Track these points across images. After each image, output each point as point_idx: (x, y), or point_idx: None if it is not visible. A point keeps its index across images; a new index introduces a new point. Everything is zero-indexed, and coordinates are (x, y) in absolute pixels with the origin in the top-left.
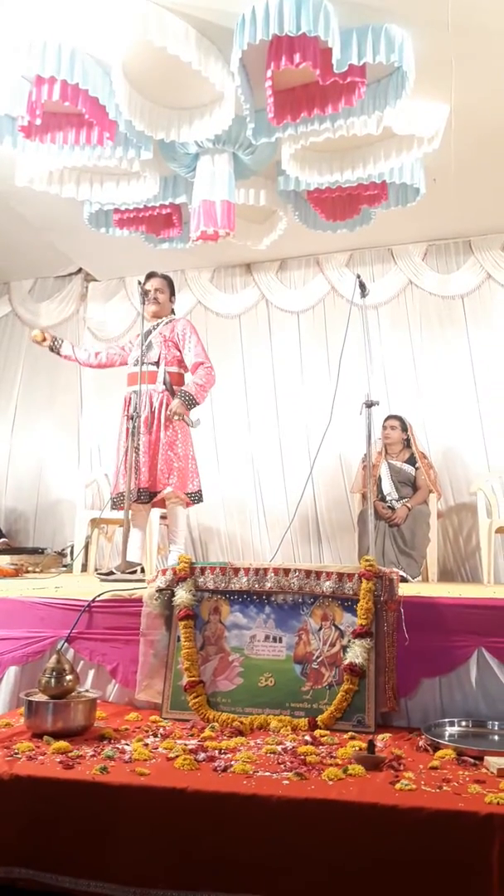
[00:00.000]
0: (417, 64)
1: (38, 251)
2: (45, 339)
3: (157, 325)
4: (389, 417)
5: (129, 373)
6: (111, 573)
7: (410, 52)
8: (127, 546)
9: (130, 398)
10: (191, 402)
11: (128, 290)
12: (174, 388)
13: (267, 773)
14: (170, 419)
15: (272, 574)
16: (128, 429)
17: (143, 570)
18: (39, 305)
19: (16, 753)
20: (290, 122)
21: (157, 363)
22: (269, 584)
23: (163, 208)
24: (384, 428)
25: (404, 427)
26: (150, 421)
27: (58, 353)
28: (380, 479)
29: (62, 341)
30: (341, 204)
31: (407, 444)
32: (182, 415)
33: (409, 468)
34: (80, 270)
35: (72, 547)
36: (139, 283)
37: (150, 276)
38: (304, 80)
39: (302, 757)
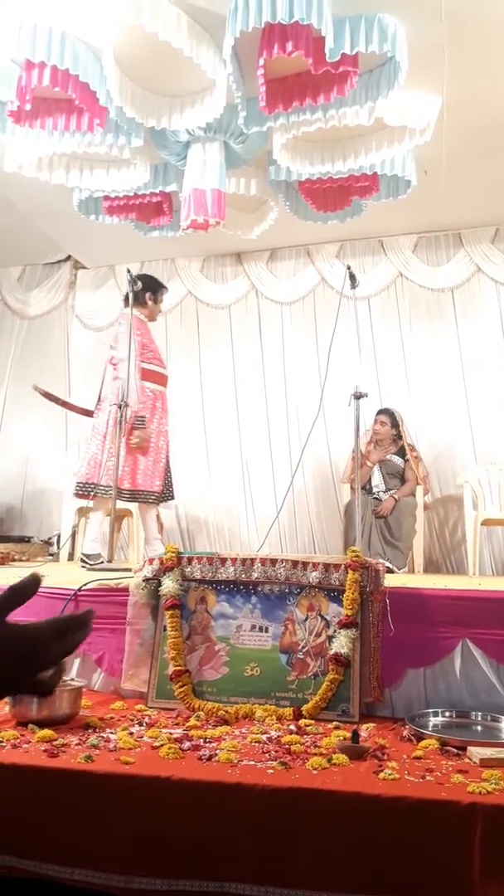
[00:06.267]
0: (410, 55)
1: (26, 238)
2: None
3: None
4: (381, 412)
5: (154, 370)
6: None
7: (403, 43)
8: (112, 537)
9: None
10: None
11: (117, 279)
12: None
13: (252, 762)
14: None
15: (259, 564)
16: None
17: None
18: (29, 294)
19: (0, 742)
20: (282, 112)
21: None
22: (255, 575)
23: (153, 196)
24: (375, 422)
25: (394, 423)
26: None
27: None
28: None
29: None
30: (332, 195)
31: (396, 438)
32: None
33: (398, 460)
34: (69, 258)
35: (58, 535)
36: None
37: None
38: (296, 69)
39: (287, 746)
